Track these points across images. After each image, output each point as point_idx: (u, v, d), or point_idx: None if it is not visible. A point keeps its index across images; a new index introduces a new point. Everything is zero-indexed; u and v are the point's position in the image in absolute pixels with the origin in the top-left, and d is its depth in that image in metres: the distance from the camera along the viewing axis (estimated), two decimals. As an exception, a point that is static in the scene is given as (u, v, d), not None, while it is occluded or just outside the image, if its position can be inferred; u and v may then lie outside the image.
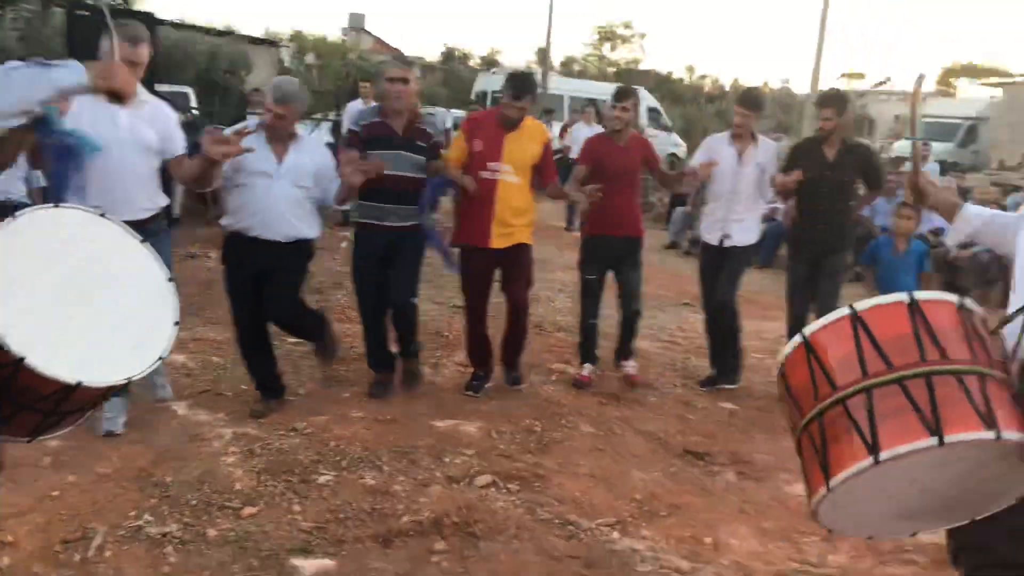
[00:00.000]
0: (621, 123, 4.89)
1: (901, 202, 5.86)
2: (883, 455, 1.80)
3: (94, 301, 2.16)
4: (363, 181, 3.96)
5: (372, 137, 4.26)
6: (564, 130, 14.15)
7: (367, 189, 4.11)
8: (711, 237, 5.10)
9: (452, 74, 36.58)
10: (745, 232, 5.07)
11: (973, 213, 2.52)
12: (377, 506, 3.29)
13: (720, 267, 5.07)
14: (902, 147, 19.85)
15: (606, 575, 2.98)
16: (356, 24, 44.44)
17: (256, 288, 4.02)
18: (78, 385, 1.99)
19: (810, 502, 1.96)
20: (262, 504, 3.23)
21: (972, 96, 39.76)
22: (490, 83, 20.20)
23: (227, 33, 23.84)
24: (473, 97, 19.33)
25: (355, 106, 10.36)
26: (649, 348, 5.86)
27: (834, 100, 5.04)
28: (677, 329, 6.58)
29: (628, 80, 30.32)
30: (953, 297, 2.02)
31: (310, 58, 33.18)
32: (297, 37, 37.11)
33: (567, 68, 45.83)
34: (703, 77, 52.82)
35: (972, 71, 42.40)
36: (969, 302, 2.02)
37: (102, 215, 2.26)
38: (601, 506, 3.48)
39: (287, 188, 3.94)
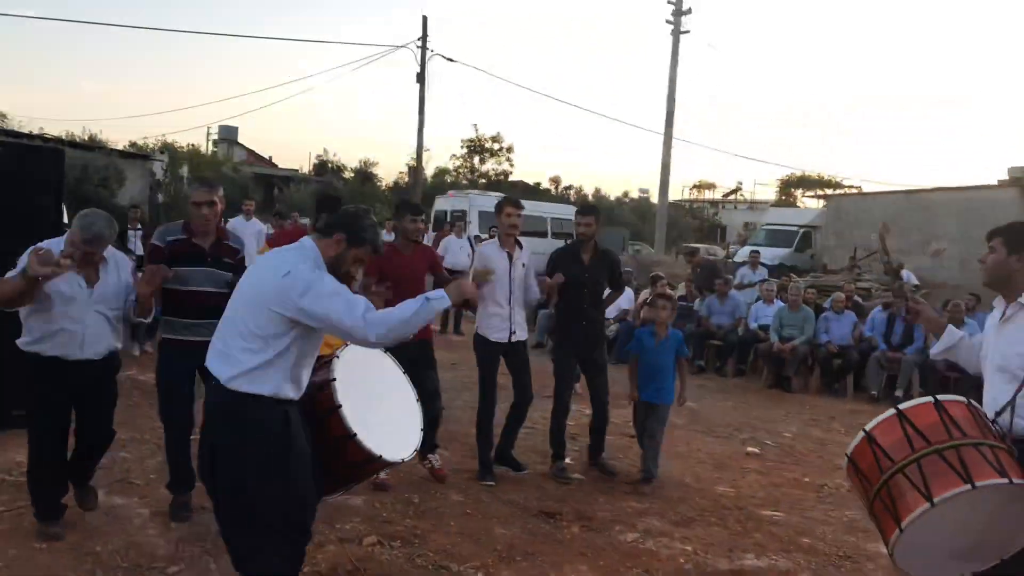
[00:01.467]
0: (419, 234, 5.61)
1: (659, 294, 6.71)
2: (936, 499, 2.72)
3: (383, 406, 3.60)
4: (151, 291, 4.06)
5: (179, 254, 4.33)
6: (436, 241, 15.19)
7: (176, 306, 4.32)
8: (500, 336, 5.62)
9: (327, 185, 37.54)
10: (523, 327, 5.79)
11: (956, 332, 3.53)
12: (281, 562, 3.94)
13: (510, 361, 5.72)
14: (743, 252, 21.99)
15: (471, 603, 3.74)
16: (228, 136, 44.90)
17: (67, 410, 4.08)
18: (379, 458, 3.25)
19: (888, 546, 2.89)
20: (183, 565, 3.84)
21: (808, 205, 43.95)
22: (450, 204, 20.75)
23: (97, 147, 24.06)
24: (432, 217, 19.82)
25: (237, 222, 11.05)
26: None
27: (592, 210, 6.06)
28: (540, 417, 7.46)
29: (498, 190, 32.07)
30: (963, 398, 3.06)
31: (183, 170, 33.41)
32: (168, 149, 37.28)
33: (439, 179, 47.57)
34: (568, 188, 55.99)
35: (807, 182, 46.81)
36: (973, 402, 3.03)
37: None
38: (468, 555, 4.25)
39: (99, 310, 4.05)
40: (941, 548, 2.93)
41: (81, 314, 3.99)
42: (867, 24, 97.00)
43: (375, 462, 3.29)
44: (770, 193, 49.10)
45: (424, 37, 21.64)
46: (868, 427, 3.06)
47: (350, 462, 3.28)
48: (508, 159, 48.86)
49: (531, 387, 5.79)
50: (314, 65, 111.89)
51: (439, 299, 3.06)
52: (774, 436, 7.68)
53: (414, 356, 5.29)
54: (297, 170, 41.89)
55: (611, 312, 10.07)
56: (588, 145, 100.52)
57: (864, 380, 10.19)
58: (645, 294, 11.15)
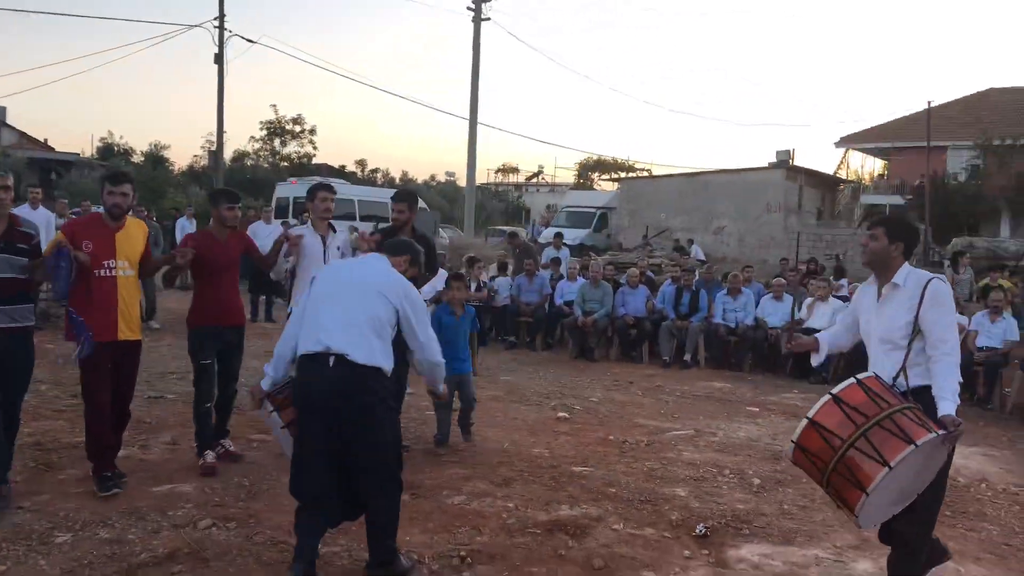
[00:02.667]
0: (235, 220, 5.58)
1: (455, 274, 7.15)
2: (892, 463, 3.21)
3: None
4: None
5: None
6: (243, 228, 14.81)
7: None
8: None
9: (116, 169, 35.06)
10: None
11: (825, 340, 4.12)
12: (116, 551, 3.96)
13: None
14: (548, 234, 23.02)
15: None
16: (-7, 114, 40.92)
17: None
18: None
19: (853, 512, 3.34)
20: (9, 564, 3.76)
21: (604, 188, 46.35)
22: (292, 191, 20.10)
23: None
24: (274, 205, 18.89)
25: (23, 211, 10.33)
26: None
27: (406, 197, 6.20)
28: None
29: (300, 173, 31.38)
30: (871, 373, 3.58)
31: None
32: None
33: (239, 163, 45.75)
34: (375, 171, 55.60)
35: (604, 166, 49.29)
36: (879, 375, 3.58)
37: None
38: (305, 528, 4.43)
39: None
40: (885, 499, 3.43)
41: None
42: (661, 15, 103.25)
43: None
44: (570, 177, 51.23)
45: (221, 16, 20.81)
46: (810, 414, 3.49)
47: None
48: (311, 141, 47.79)
49: None
50: (99, 43, 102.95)
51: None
52: (581, 401, 8.32)
53: (232, 340, 5.55)
54: (78, 154, 38.86)
55: (427, 293, 10.37)
56: (395, 129, 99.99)
57: (657, 347, 11.16)
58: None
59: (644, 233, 24.67)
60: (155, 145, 42.08)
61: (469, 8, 22.99)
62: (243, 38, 20.13)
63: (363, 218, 20.02)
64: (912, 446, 3.23)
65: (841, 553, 4.52)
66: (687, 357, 10.85)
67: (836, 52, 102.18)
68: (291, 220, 15.28)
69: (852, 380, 3.51)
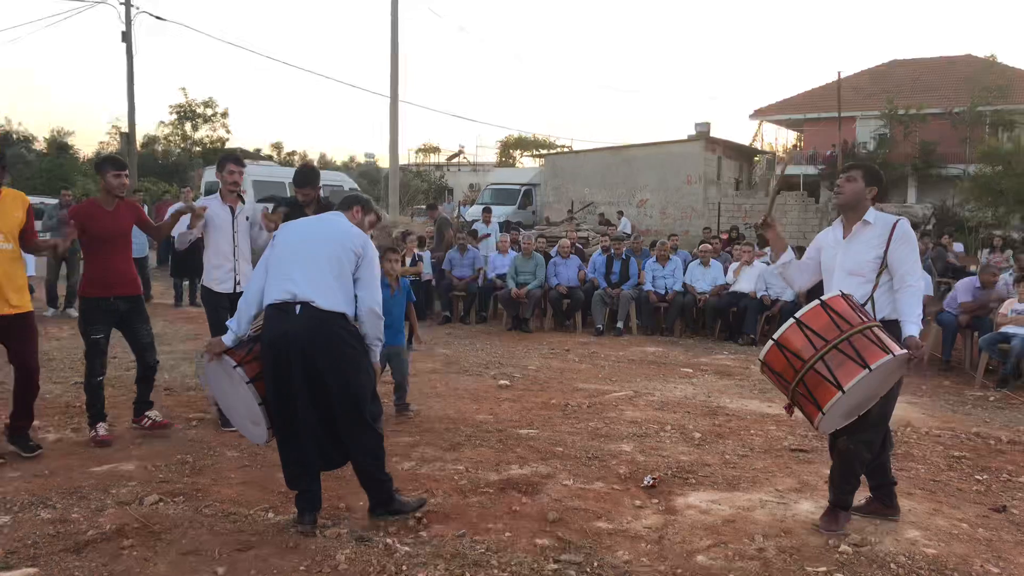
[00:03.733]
0: (124, 189, 5.43)
1: (389, 247, 6.98)
2: (845, 387, 3.55)
3: None
4: None
5: None
6: (162, 208, 14.39)
7: None
8: (226, 287, 5.75)
9: (18, 159, 33.59)
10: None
11: (791, 253, 4.47)
12: (60, 530, 3.83)
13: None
14: (474, 212, 22.98)
15: (265, 539, 3.88)
16: None
17: None
18: None
19: (814, 423, 3.74)
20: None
21: (527, 166, 46.44)
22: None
23: None
24: (203, 190, 18.12)
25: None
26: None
27: (308, 179, 6.16)
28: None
29: (214, 159, 30.52)
30: (838, 292, 3.87)
31: None
32: None
33: (150, 149, 44.25)
34: (292, 153, 54.44)
35: (525, 143, 49.35)
36: (847, 293, 3.88)
37: None
38: (256, 500, 4.37)
39: None
40: (842, 410, 3.76)
41: None
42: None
43: None
44: (491, 156, 51.13)
45: (127, -8, 19.90)
46: (776, 336, 3.80)
47: None
48: (224, 125, 46.48)
49: None
50: None
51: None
52: (520, 369, 8.39)
53: (124, 310, 5.44)
54: (-26, 142, 36.95)
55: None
56: (312, 111, 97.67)
57: (590, 315, 11.31)
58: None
59: (569, 208, 24.85)
60: (58, 132, 40.39)
61: (386, -16, 22.56)
62: (152, 15, 19.36)
63: (261, 200, 19.53)
64: (866, 370, 3.54)
65: (783, 496, 4.69)
66: (620, 324, 11.03)
67: (749, 26, 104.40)
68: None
69: (816, 302, 3.80)
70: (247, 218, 5.92)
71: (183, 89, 43.89)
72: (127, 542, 3.72)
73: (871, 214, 4.12)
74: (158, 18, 20.03)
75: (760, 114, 34.70)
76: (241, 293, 5.74)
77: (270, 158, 47.33)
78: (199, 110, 45.90)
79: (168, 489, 4.44)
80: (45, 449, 5.10)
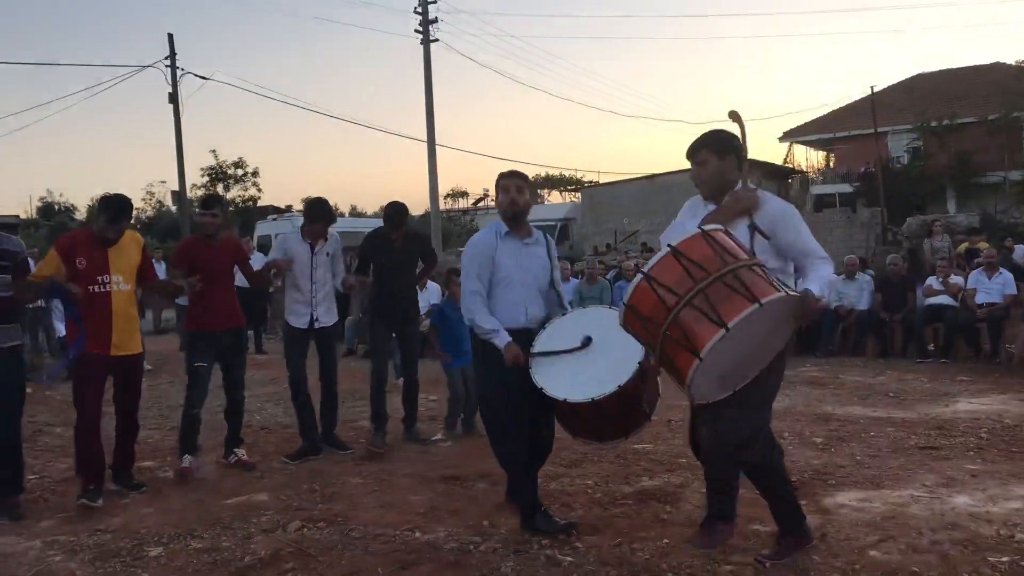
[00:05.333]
0: (214, 227, 5.44)
1: (454, 269, 6.86)
2: (730, 324, 2.78)
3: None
4: None
5: None
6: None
7: None
8: (302, 322, 5.79)
9: (60, 228, 34.22)
10: (330, 313, 5.92)
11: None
12: (217, 558, 3.77)
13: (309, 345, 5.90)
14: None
15: (422, 556, 3.79)
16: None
17: None
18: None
19: (686, 378, 2.89)
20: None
21: (553, 201, 46.68)
22: (276, 228, 19.50)
23: None
24: (255, 244, 18.33)
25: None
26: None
27: (404, 214, 6.06)
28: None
29: (246, 215, 30.91)
30: (720, 225, 3.13)
31: None
32: None
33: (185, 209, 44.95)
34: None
35: (553, 181, 49.67)
36: (727, 229, 3.12)
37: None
38: (398, 521, 4.28)
39: None
40: (718, 370, 3.00)
41: None
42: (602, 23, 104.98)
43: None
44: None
45: (172, 55, 20.47)
46: (646, 268, 3.00)
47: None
48: (255, 184, 47.12)
49: (336, 370, 6.01)
50: (34, 95, 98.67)
51: None
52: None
53: (227, 344, 5.45)
54: (18, 216, 37.74)
55: (434, 295, 10.32)
56: (345, 162, 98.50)
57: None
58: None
59: (610, 241, 24.82)
60: (96, 201, 41.09)
61: (417, 31, 23.04)
62: (197, 75, 19.68)
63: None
64: (755, 305, 2.79)
65: (933, 491, 4.53)
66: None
67: (769, 48, 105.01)
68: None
69: (697, 230, 3.05)
70: (328, 254, 5.92)
71: (213, 151, 44.48)
72: (287, 565, 3.65)
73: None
74: (202, 77, 20.27)
75: (790, 135, 34.68)
76: (318, 329, 5.84)
77: (300, 212, 47.83)
78: (229, 171, 46.59)
79: (307, 516, 4.37)
80: (167, 486, 5.06)
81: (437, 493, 4.81)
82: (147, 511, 4.57)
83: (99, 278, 4.71)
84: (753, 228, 3.31)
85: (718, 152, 3.40)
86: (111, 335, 4.70)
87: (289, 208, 48.28)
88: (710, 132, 3.47)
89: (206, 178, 46.10)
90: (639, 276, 3.06)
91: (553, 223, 28.71)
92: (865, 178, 29.76)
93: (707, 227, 3.07)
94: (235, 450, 5.61)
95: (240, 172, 46.62)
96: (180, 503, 4.70)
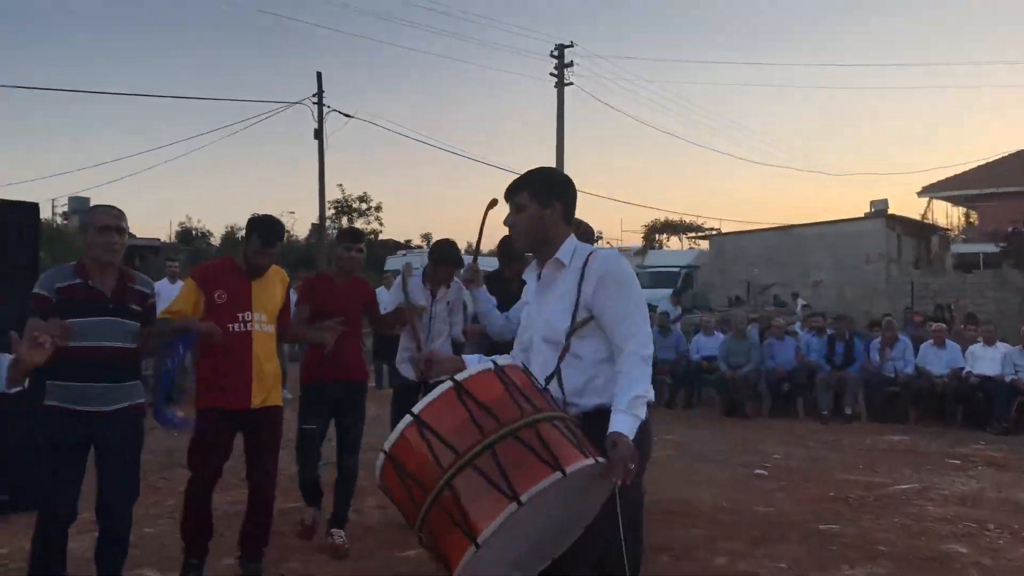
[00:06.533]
0: (358, 264, 4.88)
1: None
2: (523, 496, 2.02)
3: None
4: (47, 357, 2.84)
5: (72, 302, 3.42)
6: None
7: (60, 365, 3.14)
8: (409, 372, 5.01)
9: (198, 253, 35.95)
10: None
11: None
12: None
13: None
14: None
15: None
16: (80, 207, 42.22)
17: None
18: None
19: (453, 570, 2.09)
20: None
21: (671, 247, 45.92)
22: (402, 262, 19.72)
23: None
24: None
25: (162, 285, 10.34)
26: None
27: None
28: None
29: (368, 248, 31.66)
30: (519, 362, 2.52)
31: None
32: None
33: (310, 239, 46.56)
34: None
35: (672, 227, 48.92)
36: (502, 360, 2.47)
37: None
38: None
39: None
40: (505, 557, 2.27)
41: None
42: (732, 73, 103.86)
43: None
44: (636, 239, 50.97)
45: (320, 93, 21.38)
46: (417, 409, 2.25)
47: None
48: (377, 218, 48.52)
49: None
50: (179, 129, 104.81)
51: None
52: (764, 458, 7.81)
53: (341, 398, 4.75)
54: (158, 239, 39.99)
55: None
56: (469, 200, 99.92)
57: (810, 400, 10.60)
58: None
59: (739, 293, 24.09)
60: (231, 227, 43.15)
61: (552, 74, 23.24)
62: (342, 113, 20.49)
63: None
64: (557, 473, 2.09)
65: None
66: (848, 410, 10.26)
67: (906, 101, 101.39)
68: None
69: (489, 364, 2.39)
70: (448, 302, 5.32)
71: (340, 185, 45.97)
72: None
73: (567, 248, 2.68)
74: (347, 115, 21.02)
75: (929, 190, 33.13)
76: (431, 385, 5.02)
77: (420, 247, 48.88)
78: (354, 204, 48.10)
79: None
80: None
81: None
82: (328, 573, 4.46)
83: (240, 315, 4.02)
84: None
85: (540, 198, 2.67)
86: (250, 383, 3.95)
87: (408, 242, 49.65)
88: (536, 171, 2.77)
89: (332, 211, 48.00)
90: (408, 417, 2.26)
91: (676, 270, 28.21)
92: (1012, 238, 28.02)
93: (501, 360, 2.46)
94: (332, 530, 4.75)
95: (364, 206, 48.33)
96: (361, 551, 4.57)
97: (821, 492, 6.37)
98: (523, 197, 2.68)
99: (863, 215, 24.78)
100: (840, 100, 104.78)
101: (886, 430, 9.63)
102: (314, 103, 21.28)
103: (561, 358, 2.60)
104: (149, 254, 34.27)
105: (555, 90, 23.30)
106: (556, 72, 23.18)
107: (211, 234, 42.74)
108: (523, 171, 2.80)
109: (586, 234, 5.62)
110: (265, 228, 4.08)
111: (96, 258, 3.48)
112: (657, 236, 49.79)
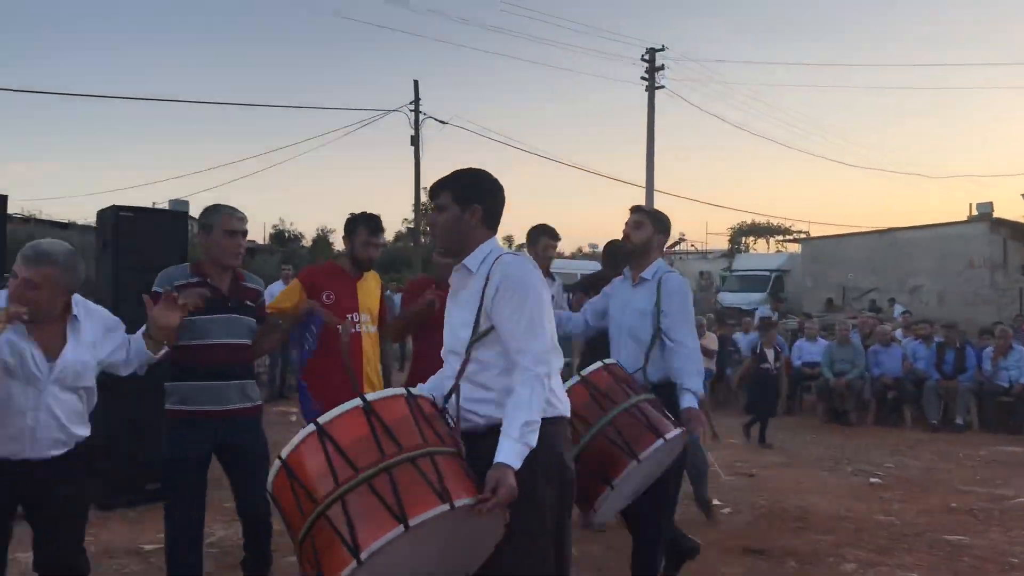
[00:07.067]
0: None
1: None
2: (363, 554, 2.04)
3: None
4: (179, 321, 3.10)
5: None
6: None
7: (183, 367, 3.40)
8: None
9: (292, 254, 37.05)
10: None
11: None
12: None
13: None
14: (731, 299, 22.40)
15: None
16: (179, 210, 43.98)
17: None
18: None
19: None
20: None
21: (757, 250, 45.11)
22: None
23: (67, 225, 23.31)
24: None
25: (277, 287, 10.81)
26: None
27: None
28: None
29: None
30: (401, 390, 2.44)
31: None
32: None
33: (399, 244, 47.41)
34: (521, 246, 56.37)
35: (759, 230, 48.13)
36: (415, 390, 2.46)
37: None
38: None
39: (61, 394, 2.88)
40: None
41: (32, 402, 2.81)
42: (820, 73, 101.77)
43: None
44: (721, 242, 50.25)
45: (416, 100, 21.88)
46: (322, 420, 2.30)
47: None
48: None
49: None
50: (281, 137, 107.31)
51: None
52: (875, 466, 7.72)
53: None
54: (254, 241, 41.39)
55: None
56: (554, 202, 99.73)
57: (918, 409, 10.38)
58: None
59: (832, 296, 23.56)
60: (322, 229, 44.32)
61: (643, 78, 23.21)
62: (436, 119, 21.03)
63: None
64: (400, 527, 2.08)
65: None
66: (959, 420, 10.01)
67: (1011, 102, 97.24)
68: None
69: (358, 401, 2.35)
70: (552, 297, 5.34)
71: (426, 188, 46.71)
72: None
73: (478, 253, 2.58)
74: (441, 122, 21.50)
75: (1035, 192, 31.67)
76: None
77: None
78: (441, 207, 48.65)
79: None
80: None
81: (747, 568, 4.61)
82: None
83: (348, 316, 4.05)
84: None
85: (460, 200, 2.59)
86: (360, 385, 3.97)
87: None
88: (461, 171, 2.68)
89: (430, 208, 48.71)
90: (277, 459, 2.32)
91: (766, 274, 27.74)
92: None
93: (371, 397, 2.37)
94: None
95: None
96: None
97: (942, 503, 6.28)
98: (445, 197, 2.60)
99: (966, 218, 23.87)
100: (940, 101, 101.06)
101: (999, 440, 9.37)
102: (411, 111, 21.85)
103: (461, 371, 2.46)
104: (248, 257, 35.58)
105: (645, 93, 23.24)
106: (647, 76, 23.14)
107: (303, 236, 43.99)
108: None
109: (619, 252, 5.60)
110: (370, 219, 4.24)
111: (217, 259, 3.56)
112: (743, 239, 49.08)
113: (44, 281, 2.75)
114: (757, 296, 25.96)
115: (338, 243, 47.41)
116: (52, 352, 2.84)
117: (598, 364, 3.29)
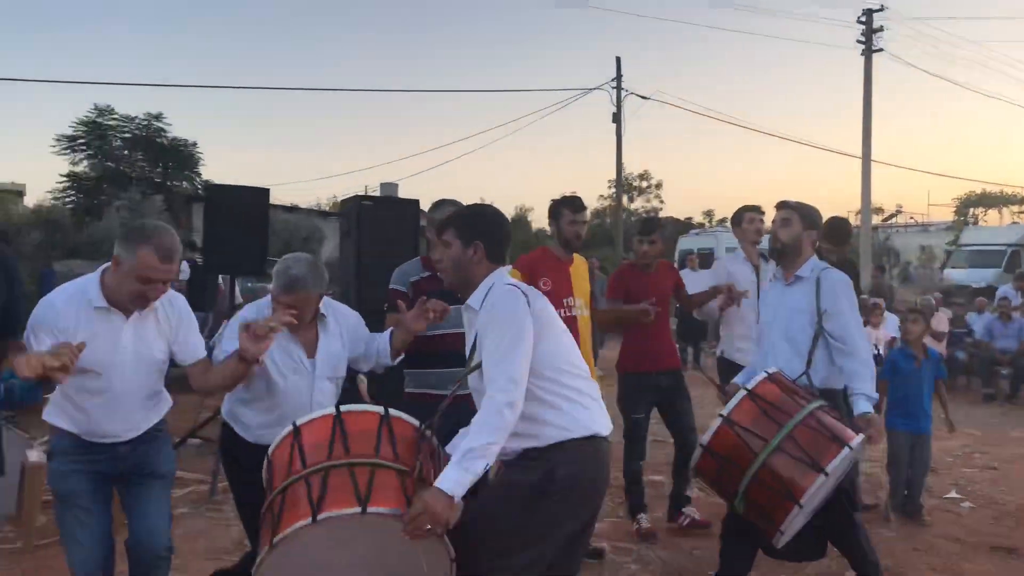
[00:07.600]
0: (653, 256, 4.86)
1: (911, 308, 6.11)
2: (276, 539, 2.30)
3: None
4: (424, 328, 3.27)
5: (430, 293, 3.38)
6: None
7: (417, 353, 3.51)
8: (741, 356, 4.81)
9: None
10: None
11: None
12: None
13: None
14: (958, 276, 20.64)
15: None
16: (389, 193, 46.38)
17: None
18: None
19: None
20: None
21: (988, 222, 41.11)
22: (698, 243, 20.18)
23: (293, 208, 25.21)
24: (677, 257, 18.69)
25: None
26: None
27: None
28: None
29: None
30: (379, 408, 2.65)
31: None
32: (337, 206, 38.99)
33: (593, 221, 47.60)
34: (722, 221, 54.81)
35: (990, 200, 43.85)
36: (394, 412, 2.65)
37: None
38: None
39: (323, 384, 3.23)
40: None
41: (305, 393, 3.19)
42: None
43: None
44: (944, 214, 46.25)
45: (619, 77, 21.85)
46: (299, 421, 2.67)
47: None
48: (657, 195, 48.60)
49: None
50: (484, 119, 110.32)
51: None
52: None
53: (666, 386, 4.77)
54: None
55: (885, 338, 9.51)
56: (759, 175, 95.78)
57: None
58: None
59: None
60: (519, 208, 45.31)
61: (859, 41, 21.74)
62: (638, 95, 20.96)
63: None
64: (308, 519, 2.28)
65: None
66: None
67: None
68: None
69: (331, 410, 2.66)
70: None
71: (625, 166, 46.51)
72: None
73: (480, 290, 2.64)
74: (643, 97, 21.40)
75: None
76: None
77: (701, 226, 48.21)
78: (635, 183, 48.38)
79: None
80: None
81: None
82: None
83: (565, 301, 4.18)
84: None
85: (463, 238, 2.69)
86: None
87: (689, 220, 49.11)
88: (464, 210, 2.87)
89: (612, 190, 48.75)
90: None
91: (1001, 248, 25.30)
92: None
93: (346, 408, 2.67)
94: (684, 509, 4.84)
95: (644, 184, 48.55)
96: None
97: None
98: (450, 234, 2.72)
99: None
100: None
101: None
102: (613, 87, 21.82)
103: (478, 400, 2.57)
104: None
105: (862, 58, 21.77)
106: (863, 38, 21.64)
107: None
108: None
109: (840, 230, 5.30)
110: (572, 200, 4.38)
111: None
112: (971, 210, 44.91)
113: (300, 302, 3.12)
114: (990, 273, 23.75)
115: (536, 222, 48.53)
116: (309, 350, 3.22)
117: (762, 375, 3.26)
